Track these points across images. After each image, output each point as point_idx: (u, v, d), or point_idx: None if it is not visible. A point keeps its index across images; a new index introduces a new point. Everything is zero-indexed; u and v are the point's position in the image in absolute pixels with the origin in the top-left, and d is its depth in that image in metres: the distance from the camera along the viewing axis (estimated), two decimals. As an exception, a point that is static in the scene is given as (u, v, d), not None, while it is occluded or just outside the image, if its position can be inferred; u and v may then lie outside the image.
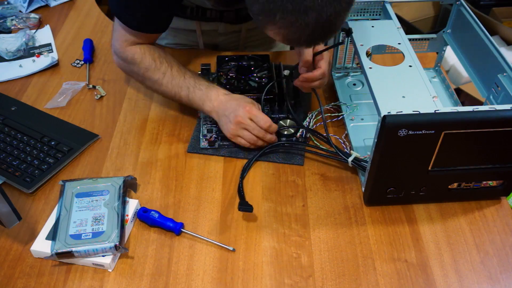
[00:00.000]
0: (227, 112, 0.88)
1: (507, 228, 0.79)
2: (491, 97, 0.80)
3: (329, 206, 0.82)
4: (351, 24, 0.90)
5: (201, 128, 0.94)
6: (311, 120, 0.95)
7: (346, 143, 0.92)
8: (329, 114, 0.98)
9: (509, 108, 0.68)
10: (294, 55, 1.00)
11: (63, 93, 1.05)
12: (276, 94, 0.93)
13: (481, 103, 0.81)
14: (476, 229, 0.79)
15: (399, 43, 0.85)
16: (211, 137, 0.92)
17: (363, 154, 0.86)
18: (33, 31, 1.24)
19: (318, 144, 0.92)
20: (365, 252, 0.76)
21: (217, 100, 0.89)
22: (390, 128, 0.67)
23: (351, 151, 0.85)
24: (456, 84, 1.84)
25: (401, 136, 0.68)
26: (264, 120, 0.87)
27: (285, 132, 0.93)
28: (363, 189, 0.82)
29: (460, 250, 0.76)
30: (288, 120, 0.94)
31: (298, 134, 0.93)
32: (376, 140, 0.71)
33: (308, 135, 0.93)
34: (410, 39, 0.91)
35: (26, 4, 1.31)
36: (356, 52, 0.84)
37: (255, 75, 0.97)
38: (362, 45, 0.84)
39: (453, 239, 0.77)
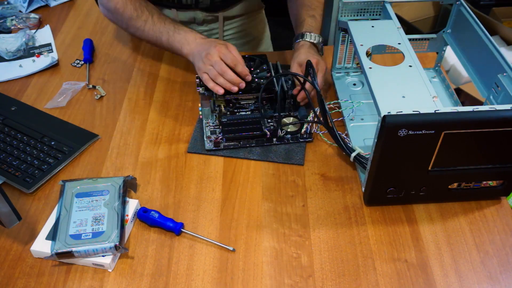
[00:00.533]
0: (202, 52, 0.91)
1: (507, 228, 0.79)
2: (491, 97, 0.80)
3: (329, 206, 0.82)
4: (351, 24, 0.90)
5: (204, 130, 0.94)
6: (312, 118, 0.95)
7: (347, 140, 0.92)
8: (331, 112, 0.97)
9: (509, 108, 0.68)
10: (291, 54, 1.00)
11: (63, 93, 1.05)
12: (276, 92, 0.93)
13: (481, 103, 0.81)
14: (476, 229, 0.79)
15: (399, 43, 0.85)
16: (216, 138, 0.92)
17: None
18: (33, 31, 1.24)
19: (326, 139, 0.92)
20: (365, 252, 0.76)
21: (194, 43, 0.94)
22: (390, 128, 0.67)
23: (355, 147, 0.85)
24: (456, 84, 1.84)
25: (401, 136, 0.68)
26: (232, 58, 0.89)
27: (289, 129, 0.93)
28: (363, 189, 0.82)
29: (460, 250, 0.76)
30: (291, 118, 0.94)
31: (303, 130, 0.93)
32: (376, 140, 0.71)
33: (313, 131, 0.94)
34: (410, 39, 0.91)
35: (26, 4, 1.31)
36: (356, 52, 0.84)
37: (254, 75, 0.97)
38: (362, 45, 0.84)
39: (453, 239, 0.77)
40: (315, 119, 0.92)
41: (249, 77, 0.91)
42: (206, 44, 0.92)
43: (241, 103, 0.96)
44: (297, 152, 0.91)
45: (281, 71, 0.97)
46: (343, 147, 0.85)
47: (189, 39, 0.95)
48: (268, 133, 0.91)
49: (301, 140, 0.93)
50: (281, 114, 0.95)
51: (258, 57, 1.02)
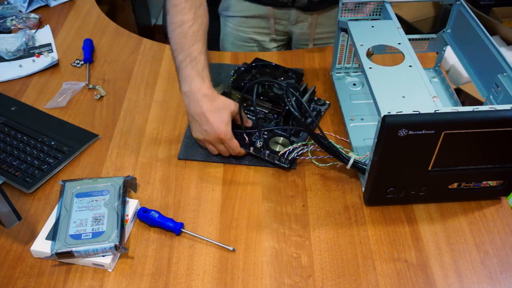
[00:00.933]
0: (200, 119, 0.84)
1: (507, 228, 0.79)
2: (491, 97, 0.80)
3: (329, 206, 0.82)
4: (351, 24, 0.90)
5: None
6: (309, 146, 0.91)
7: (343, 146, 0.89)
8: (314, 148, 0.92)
9: (509, 108, 0.68)
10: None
11: (63, 93, 1.05)
12: (283, 107, 0.89)
13: (481, 103, 0.81)
14: (476, 229, 0.79)
15: (399, 43, 0.85)
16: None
17: (363, 153, 0.85)
18: (33, 31, 1.24)
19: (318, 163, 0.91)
20: (365, 252, 0.76)
21: (194, 93, 0.84)
22: (390, 128, 0.67)
23: (350, 153, 0.83)
24: (456, 84, 1.84)
25: (401, 136, 0.68)
26: (234, 148, 0.86)
27: (278, 149, 0.89)
28: (363, 189, 0.82)
29: (460, 250, 0.76)
30: (281, 138, 0.91)
31: (281, 152, 0.87)
32: (376, 140, 0.71)
33: (298, 158, 0.89)
34: (410, 39, 0.91)
35: (26, 4, 1.31)
36: (356, 52, 0.84)
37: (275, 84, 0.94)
38: (362, 45, 0.84)
39: (453, 239, 0.77)
40: (304, 146, 0.89)
41: (242, 153, 0.88)
42: (206, 114, 0.83)
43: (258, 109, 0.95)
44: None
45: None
46: (340, 158, 0.82)
47: (192, 85, 0.84)
48: (247, 138, 0.89)
49: (276, 162, 0.87)
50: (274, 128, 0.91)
51: (293, 72, 1.00)
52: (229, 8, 1.23)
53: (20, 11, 1.31)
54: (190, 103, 0.85)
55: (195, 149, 0.92)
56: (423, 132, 0.68)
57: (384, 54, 0.96)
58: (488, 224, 0.80)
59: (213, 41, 1.44)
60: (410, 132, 0.67)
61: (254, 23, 1.22)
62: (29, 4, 1.32)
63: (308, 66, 1.12)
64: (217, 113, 0.84)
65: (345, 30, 0.94)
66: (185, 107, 0.87)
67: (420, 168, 0.75)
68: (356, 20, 0.94)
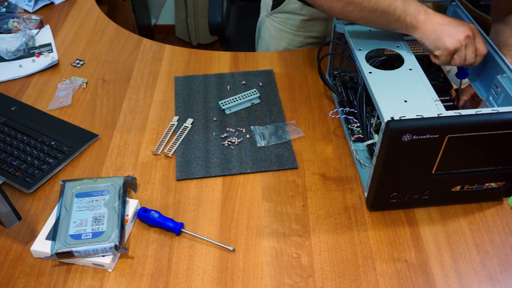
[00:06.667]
0: (449, 23, 0.80)
1: (507, 228, 0.79)
2: (491, 98, 0.80)
3: (329, 206, 0.82)
4: (348, 28, 0.89)
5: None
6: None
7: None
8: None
9: (512, 110, 0.68)
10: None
11: (63, 92, 1.05)
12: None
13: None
14: (476, 229, 0.79)
15: (397, 46, 0.84)
16: None
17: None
18: (34, 31, 1.24)
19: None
20: (365, 252, 0.76)
21: (428, 12, 0.82)
22: (394, 133, 0.67)
23: (375, 135, 0.84)
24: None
25: (405, 141, 0.67)
26: (482, 42, 0.81)
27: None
28: (365, 194, 0.81)
29: (460, 250, 0.76)
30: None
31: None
32: (379, 146, 0.70)
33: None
34: (405, 41, 0.91)
35: (32, 3, 1.31)
36: (354, 57, 0.83)
37: None
38: (360, 49, 0.83)
39: (453, 239, 0.77)
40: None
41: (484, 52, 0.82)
42: (452, 22, 0.81)
43: None
44: (288, 157, 0.90)
45: None
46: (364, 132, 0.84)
47: (424, 9, 0.82)
48: None
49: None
50: None
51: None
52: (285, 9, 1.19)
53: (20, 12, 1.31)
54: (433, 19, 0.81)
55: (191, 166, 0.89)
56: (427, 136, 0.67)
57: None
58: (488, 224, 0.80)
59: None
60: (414, 137, 0.67)
61: (311, 27, 1.20)
62: (35, 3, 1.32)
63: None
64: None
65: (342, 35, 0.93)
66: (426, 38, 0.82)
67: (424, 172, 0.74)
68: (353, 24, 0.93)
